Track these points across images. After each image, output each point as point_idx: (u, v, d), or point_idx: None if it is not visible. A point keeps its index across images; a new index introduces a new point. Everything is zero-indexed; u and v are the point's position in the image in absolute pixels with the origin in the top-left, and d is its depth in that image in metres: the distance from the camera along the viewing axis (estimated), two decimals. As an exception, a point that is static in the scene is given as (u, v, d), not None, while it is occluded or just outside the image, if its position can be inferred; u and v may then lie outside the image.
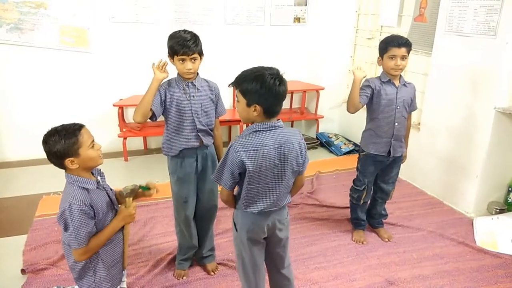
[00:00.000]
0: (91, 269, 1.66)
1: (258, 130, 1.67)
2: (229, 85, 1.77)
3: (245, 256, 1.85)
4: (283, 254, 1.94)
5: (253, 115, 1.65)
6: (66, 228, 1.54)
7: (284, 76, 1.68)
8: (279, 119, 1.71)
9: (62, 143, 1.52)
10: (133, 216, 1.69)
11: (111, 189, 1.77)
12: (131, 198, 1.75)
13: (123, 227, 1.74)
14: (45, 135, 1.57)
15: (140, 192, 1.84)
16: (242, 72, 1.70)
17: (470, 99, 3.18)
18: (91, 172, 1.66)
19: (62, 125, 1.58)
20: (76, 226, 1.52)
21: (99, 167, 1.71)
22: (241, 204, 1.76)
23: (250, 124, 1.71)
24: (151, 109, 2.10)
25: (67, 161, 1.54)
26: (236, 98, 1.74)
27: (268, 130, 1.67)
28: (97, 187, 1.62)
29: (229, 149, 1.67)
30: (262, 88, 1.61)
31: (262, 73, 1.62)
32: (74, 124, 1.58)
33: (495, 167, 3.19)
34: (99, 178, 1.68)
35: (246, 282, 1.91)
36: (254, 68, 1.68)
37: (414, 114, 2.86)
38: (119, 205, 1.73)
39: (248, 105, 1.64)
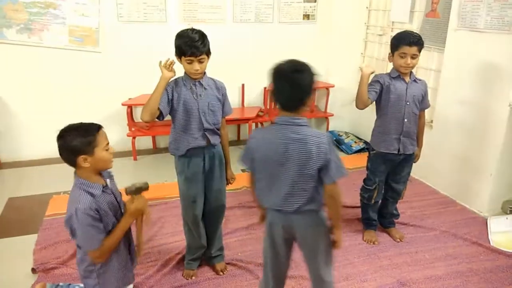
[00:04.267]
0: (95, 272, 1.66)
1: (275, 123, 1.66)
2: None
3: (264, 247, 1.87)
4: (311, 264, 1.84)
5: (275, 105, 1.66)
6: (74, 234, 1.54)
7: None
8: (301, 117, 1.63)
9: (80, 139, 1.53)
10: (140, 210, 1.66)
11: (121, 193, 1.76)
12: (137, 194, 1.72)
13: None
14: (62, 130, 1.57)
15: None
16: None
17: (484, 96, 3.11)
18: (101, 174, 1.66)
19: (81, 123, 1.59)
20: (84, 230, 1.52)
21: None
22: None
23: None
24: (158, 108, 2.08)
25: (81, 158, 1.54)
26: None
27: (282, 124, 1.63)
28: (103, 191, 1.61)
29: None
30: (274, 81, 1.62)
31: (275, 67, 1.64)
32: (94, 124, 1.60)
33: (510, 165, 3.12)
34: (108, 181, 1.67)
35: (263, 272, 1.94)
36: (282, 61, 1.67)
37: (426, 112, 2.80)
38: (126, 203, 1.70)
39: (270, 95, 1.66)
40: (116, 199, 1.68)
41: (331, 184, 1.65)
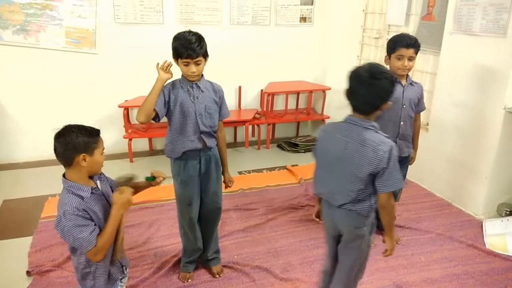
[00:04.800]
0: (91, 273, 1.65)
1: (344, 121, 1.75)
2: None
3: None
4: (341, 261, 1.89)
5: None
6: (65, 236, 1.52)
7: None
8: (370, 121, 1.68)
9: (85, 138, 1.56)
10: (130, 201, 1.65)
11: (111, 186, 1.74)
12: (125, 187, 1.70)
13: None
14: (65, 127, 1.58)
15: (145, 183, 1.83)
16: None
17: (479, 99, 3.13)
18: (91, 176, 1.65)
19: (81, 125, 1.61)
20: (76, 231, 1.51)
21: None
22: None
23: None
24: (154, 110, 2.08)
25: (81, 156, 1.55)
26: None
27: (350, 123, 1.71)
28: (92, 193, 1.60)
29: None
30: (351, 83, 1.68)
31: (354, 69, 1.70)
32: (94, 127, 1.63)
33: (505, 168, 3.13)
34: (98, 182, 1.67)
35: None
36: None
37: (422, 115, 2.82)
38: (113, 195, 1.68)
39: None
40: (107, 200, 1.67)
41: (383, 193, 1.67)
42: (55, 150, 1.57)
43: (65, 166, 1.59)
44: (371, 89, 1.62)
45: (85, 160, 1.56)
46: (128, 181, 1.72)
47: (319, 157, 1.83)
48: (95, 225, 1.57)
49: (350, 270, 1.87)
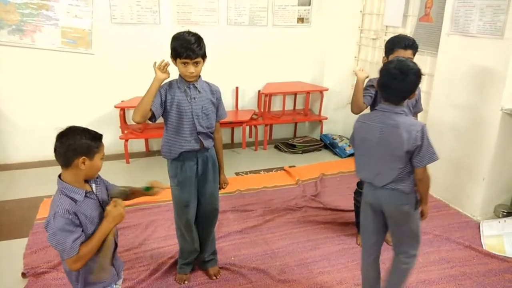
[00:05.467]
0: (82, 279, 1.62)
1: (375, 109, 1.97)
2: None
3: (361, 220, 2.14)
4: (395, 238, 2.09)
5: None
6: (50, 238, 1.50)
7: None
8: (400, 107, 1.88)
9: (88, 141, 1.55)
10: (122, 215, 1.63)
11: (107, 189, 1.72)
12: (119, 199, 1.69)
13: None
14: (68, 129, 1.57)
15: (141, 192, 1.80)
16: None
17: (476, 100, 3.13)
18: (86, 180, 1.63)
19: (85, 128, 1.61)
20: (61, 235, 1.49)
21: None
22: None
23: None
24: (150, 110, 2.07)
25: (81, 159, 1.53)
26: None
27: (382, 111, 1.90)
28: (86, 196, 1.59)
29: None
30: (382, 76, 1.89)
31: (388, 62, 1.91)
32: (97, 132, 1.62)
33: (502, 169, 3.14)
34: (93, 186, 1.65)
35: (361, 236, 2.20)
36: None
37: (419, 116, 2.81)
38: (106, 208, 1.66)
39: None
40: (101, 204, 1.65)
41: (421, 168, 1.88)
42: (55, 149, 1.55)
43: (62, 167, 1.57)
44: (401, 83, 1.83)
45: (84, 163, 1.54)
46: (123, 194, 1.70)
47: (358, 145, 2.01)
48: (82, 231, 1.54)
49: (413, 226, 2.01)
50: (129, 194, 1.74)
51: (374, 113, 1.98)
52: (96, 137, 1.59)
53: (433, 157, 1.86)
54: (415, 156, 1.84)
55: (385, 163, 1.90)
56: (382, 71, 1.90)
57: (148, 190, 1.80)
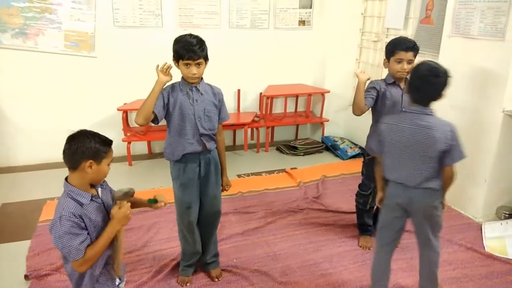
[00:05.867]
0: (84, 281, 1.63)
1: (406, 111, 2.00)
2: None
3: (382, 216, 2.17)
4: (421, 235, 2.15)
5: (408, 95, 2.01)
6: (56, 241, 1.51)
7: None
8: (429, 108, 1.94)
9: (97, 145, 1.57)
10: (128, 217, 1.63)
11: (112, 200, 1.74)
12: (124, 201, 1.70)
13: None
14: (78, 132, 1.58)
15: (145, 203, 1.81)
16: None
17: (477, 102, 3.13)
18: (92, 185, 1.65)
19: (96, 132, 1.62)
20: (67, 238, 1.49)
21: None
22: (384, 171, 2.10)
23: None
24: (153, 112, 2.08)
25: (88, 163, 1.54)
26: None
27: (413, 113, 1.95)
28: (92, 200, 1.60)
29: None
30: (414, 79, 1.96)
31: (416, 67, 1.97)
32: (108, 138, 1.64)
33: (504, 171, 3.13)
34: (99, 190, 1.66)
35: (376, 240, 2.24)
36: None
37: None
38: (111, 210, 1.67)
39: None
40: (106, 209, 1.66)
41: (451, 166, 1.97)
42: (64, 151, 1.56)
43: (69, 169, 1.58)
44: (433, 85, 1.91)
45: (91, 167, 1.55)
46: (127, 195, 1.70)
47: (389, 147, 2.03)
48: (88, 234, 1.55)
49: (439, 222, 2.12)
50: (133, 196, 1.74)
51: (403, 115, 2.01)
52: (105, 142, 1.60)
53: (462, 155, 1.95)
54: (447, 155, 1.92)
55: (417, 164, 1.96)
56: (414, 73, 1.96)
57: (152, 203, 1.80)
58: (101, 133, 1.65)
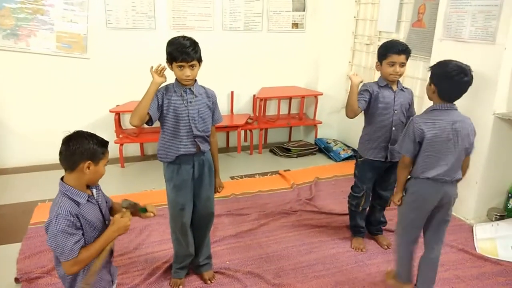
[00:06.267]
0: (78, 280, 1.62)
1: (436, 109, 2.09)
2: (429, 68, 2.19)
3: (407, 218, 2.23)
4: (440, 228, 2.24)
5: (431, 93, 2.10)
6: (50, 239, 1.50)
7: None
8: (454, 104, 2.08)
9: (95, 146, 1.57)
10: (127, 228, 1.64)
11: (106, 202, 1.73)
12: (128, 211, 1.70)
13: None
14: (75, 133, 1.59)
15: (136, 212, 1.79)
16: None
17: (468, 105, 3.14)
18: (87, 186, 1.64)
19: (93, 133, 1.63)
20: (62, 237, 1.49)
21: None
22: (416, 171, 2.13)
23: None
24: (148, 113, 2.08)
25: (86, 164, 1.54)
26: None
27: (444, 110, 2.07)
28: (88, 201, 1.59)
29: (409, 123, 2.13)
30: (441, 79, 2.05)
31: (443, 68, 2.06)
32: (104, 139, 1.64)
33: (495, 173, 3.17)
34: (94, 191, 1.65)
35: (401, 237, 2.30)
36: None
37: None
38: (114, 216, 1.68)
39: (429, 84, 2.10)
40: (100, 210, 1.65)
41: (469, 156, 2.14)
42: (61, 153, 1.56)
43: (66, 170, 1.57)
44: (463, 83, 2.02)
45: (89, 168, 1.55)
46: (134, 207, 1.72)
47: (428, 145, 2.07)
48: (82, 235, 1.55)
49: (447, 225, 2.26)
50: (137, 208, 1.74)
51: (437, 112, 2.08)
52: (102, 143, 1.61)
53: (474, 146, 2.11)
54: (470, 145, 2.09)
55: (455, 157, 2.07)
56: (443, 72, 2.04)
57: (142, 212, 1.79)
58: None
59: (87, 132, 1.61)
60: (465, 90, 2.05)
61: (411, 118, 2.16)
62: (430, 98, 2.14)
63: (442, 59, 3.30)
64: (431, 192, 2.13)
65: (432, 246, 2.27)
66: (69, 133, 1.58)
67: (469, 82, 2.04)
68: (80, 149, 1.54)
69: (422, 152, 2.10)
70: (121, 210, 1.69)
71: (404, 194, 2.23)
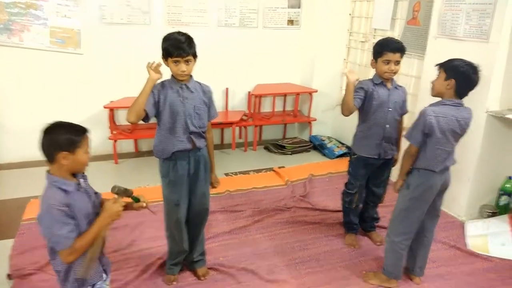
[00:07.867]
0: (71, 276, 1.62)
1: (446, 104, 2.16)
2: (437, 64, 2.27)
3: (414, 214, 2.30)
4: (436, 210, 2.40)
5: (446, 88, 2.15)
6: (45, 230, 1.50)
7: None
8: (462, 100, 2.18)
9: (67, 136, 1.54)
10: (119, 214, 1.62)
11: (95, 193, 1.72)
12: (120, 197, 1.67)
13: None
14: (51, 124, 1.56)
15: (128, 205, 1.78)
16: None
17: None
18: (74, 175, 1.63)
19: (70, 122, 1.60)
20: (56, 226, 1.49)
21: None
22: (422, 163, 2.22)
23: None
24: (144, 110, 2.08)
25: (61, 154, 1.52)
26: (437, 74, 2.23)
27: (454, 105, 2.15)
28: (77, 189, 1.59)
29: (421, 113, 2.17)
30: (458, 76, 2.12)
31: (460, 66, 2.13)
32: (81, 126, 1.61)
33: (487, 170, 3.19)
34: (81, 180, 1.64)
35: (404, 225, 2.35)
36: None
37: (406, 117, 2.85)
38: (105, 202, 1.66)
39: (446, 79, 2.15)
40: (89, 198, 1.65)
41: None
42: (39, 145, 1.55)
43: (47, 162, 1.57)
44: (474, 80, 2.13)
45: (66, 158, 1.53)
46: (126, 193, 1.69)
47: (438, 139, 2.16)
48: (75, 224, 1.54)
49: None
50: (130, 196, 1.72)
51: (448, 107, 2.16)
52: (79, 131, 1.57)
53: None
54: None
55: (455, 146, 2.23)
56: (459, 70, 2.12)
57: (135, 200, 1.78)
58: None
59: (63, 121, 1.58)
60: (475, 86, 2.16)
61: (423, 108, 2.19)
62: (439, 93, 2.20)
63: (436, 56, 3.35)
64: (437, 183, 2.24)
65: (430, 229, 2.43)
66: (47, 125, 1.56)
67: (479, 80, 2.16)
68: (55, 140, 1.52)
69: (431, 145, 2.18)
70: (112, 193, 1.67)
71: (406, 188, 2.30)
